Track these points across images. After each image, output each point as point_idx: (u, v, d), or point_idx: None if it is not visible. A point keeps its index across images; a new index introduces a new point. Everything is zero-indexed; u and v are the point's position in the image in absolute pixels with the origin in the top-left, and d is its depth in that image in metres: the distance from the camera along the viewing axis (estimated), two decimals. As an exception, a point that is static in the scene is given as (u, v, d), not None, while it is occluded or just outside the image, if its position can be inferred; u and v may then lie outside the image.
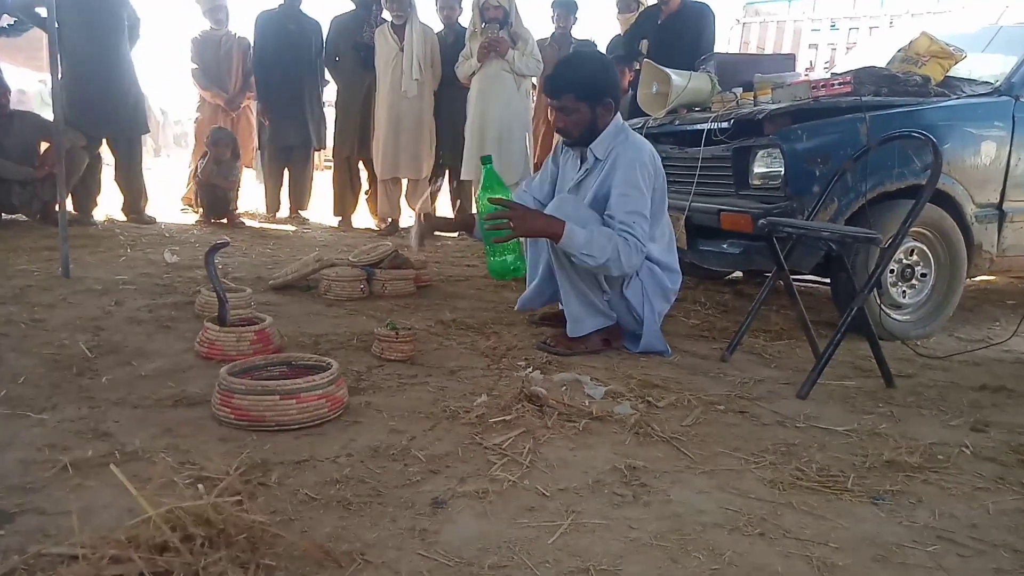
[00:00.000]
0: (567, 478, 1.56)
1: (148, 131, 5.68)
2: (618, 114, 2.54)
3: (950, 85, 3.10)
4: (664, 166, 3.44)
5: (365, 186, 6.00)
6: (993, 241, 3.00)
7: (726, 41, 7.34)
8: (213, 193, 5.44)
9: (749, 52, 7.11)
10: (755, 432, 1.89)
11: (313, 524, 1.31)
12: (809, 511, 1.46)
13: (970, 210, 2.92)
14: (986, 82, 3.06)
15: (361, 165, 5.83)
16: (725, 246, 3.08)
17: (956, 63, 3.10)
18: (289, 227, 5.75)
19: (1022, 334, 2.86)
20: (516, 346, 2.57)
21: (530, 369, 2.28)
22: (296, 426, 1.74)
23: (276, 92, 5.65)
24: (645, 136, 3.61)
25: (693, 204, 3.14)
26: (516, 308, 2.84)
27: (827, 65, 6.54)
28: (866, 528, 1.40)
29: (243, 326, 2.33)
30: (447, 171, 5.60)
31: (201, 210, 5.61)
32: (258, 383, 1.77)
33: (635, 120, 3.86)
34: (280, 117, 5.70)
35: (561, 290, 2.53)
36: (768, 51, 6.99)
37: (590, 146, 2.52)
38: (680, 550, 1.29)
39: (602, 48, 5.77)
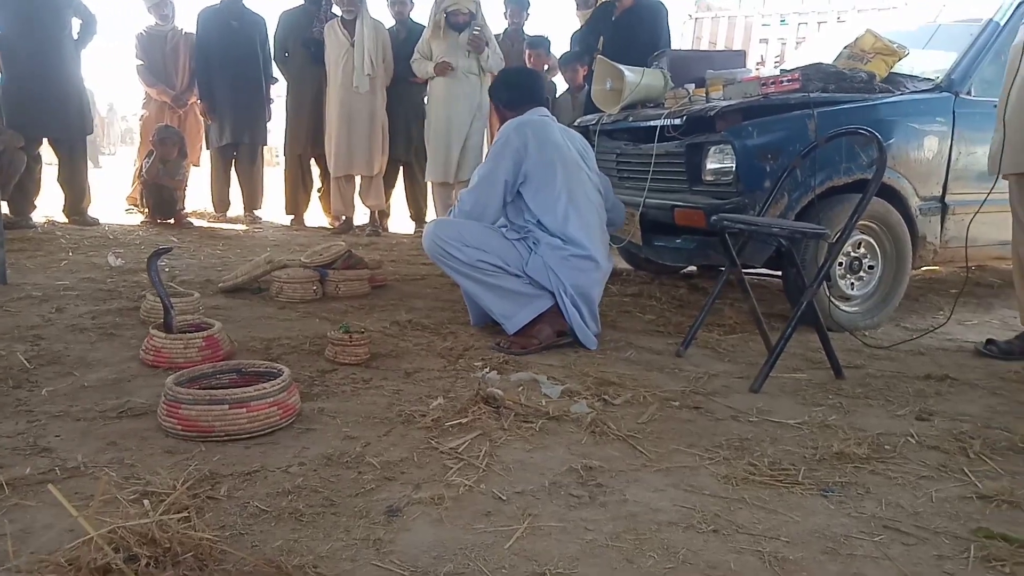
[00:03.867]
0: (524, 481, 1.56)
1: (92, 131, 5.50)
2: (535, 108, 2.74)
3: (894, 81, 3.17)
4: (619, 162, 3.51)
5: (318, 184, 5.90)
6: (936, 233, 3.09)
7: (679, 36, 7.42)
8: (159, 193, 5.30)
9: (701, 47, 7.21)
10: (709, 427, 1.91)
11: (264, 538, 1.28)
12: (761, 506, 1.48)
13: (914, 203, 3.00)
14: (927, 78, 3.14)
15: (313, 162, 5.74)
16: (679, 241, 3.12)
17: (899, 60, 3.17)
18: (239, 227, 5.64)
19: (964, 322, 2.96)
20: (473, 346, 2.55)
21: (487, 370, 2.27)
22: (246, 436, 1.70)
23: (220, 89, 5.53)
24: (600, 132, 3.65)
25: (648, 200, 3.17)
26: (472, 323, 2.81)
27: (777, 60, 6.66)
28: (816, 521, 1.43)
29: (191, 332, 2.27)
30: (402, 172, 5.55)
31: (147, 210, 5.46)
32: (206, 392, 1.73)
33: (590, 116, 3.88)
34: (225, 114, 5.57)
35: (476, 300, 2.60)
36: (720, 46, 7.09)
37: None
38: (635, 550, 1.30)
39: (563, 43, 5.79)
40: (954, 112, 3.02)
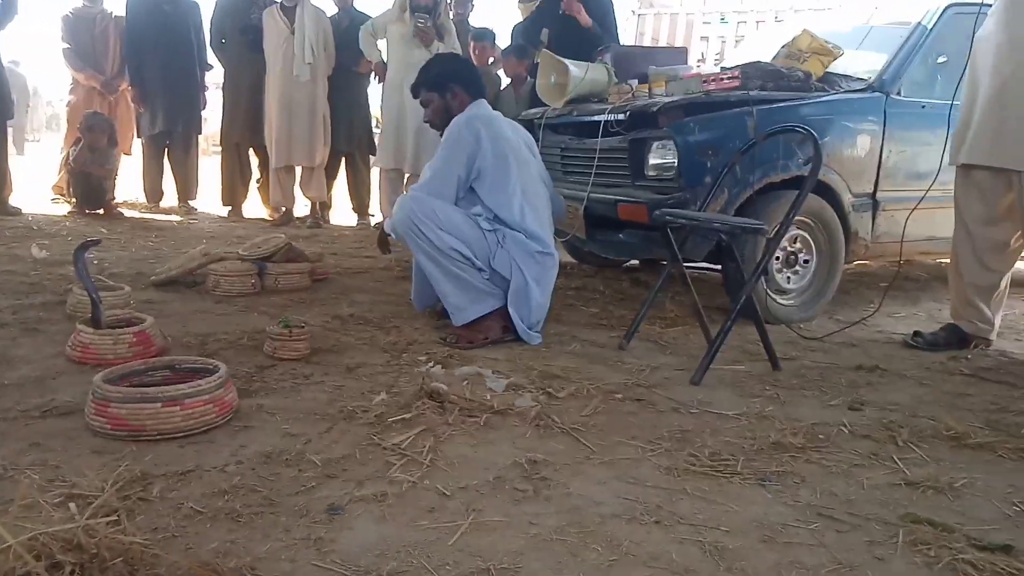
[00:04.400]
0: (468, 476, 1.55)
1: (12, 116, 5.22)
2: (478, 101, 2.68)
3: (829, 81, 3.26)
4: (564, 157, 3.52)
5: (256, 174, 5.75)
6: (868, 228, 3.20)
7: (622, 31, 7.48)
8: (87, 182, 5.08)
9: (644, 43, 7.29)
10: (652, 419, 1.93)
11: (199, 540, 1.24)
12: (702, 496, 1.51)
13: (847, 200, 3.10)
14: (860, 79, 3.24)
15: (252, 152, 5.59)
16: (622, 236, 3.15)
17: (834, 60, 3.27)
18: (173, 218, 5.45)
19: (893, 315, 3.08)
20: (417, 340, 2.53)
21: (431, 364, 2.25)
22: (180, 434, 1.64)
23: (151, 76, 5.33)
24: (544, 126, 3.65)
25: (592, 195, 3.18)
26: (416, 308, 2.81)
27: (717, 57, 6.79)
28: (754, 510, 1.46)
29: (121, 327, 2.18)
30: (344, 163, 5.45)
31: (74, 200, 5.22)
32: (137, 390, 1.66)
33: (535, 110, 3.88)
34: (157, 102, 5.37)
35: (433, 284, 2.53)
36: (662, 42, 7.19)
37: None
38: (580, 543, 1.30)
39: (504, 36, 5.77)
40: (885, 112, 3.12)
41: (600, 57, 3.93)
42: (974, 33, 2.66)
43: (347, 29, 5.09)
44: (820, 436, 1.85)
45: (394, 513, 1.37)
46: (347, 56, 5.05)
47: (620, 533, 1.34)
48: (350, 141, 5.34)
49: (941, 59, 3.45)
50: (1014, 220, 2.56)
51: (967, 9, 3.35)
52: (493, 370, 2.23)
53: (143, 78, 5.39)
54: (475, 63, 5.18)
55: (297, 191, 5.43)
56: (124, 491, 1.37)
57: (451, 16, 5.69)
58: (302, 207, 5.64)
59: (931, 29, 3.25)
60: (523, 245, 2.54)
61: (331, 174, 5.52)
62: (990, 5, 3.44)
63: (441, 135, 2.72)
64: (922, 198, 2.84)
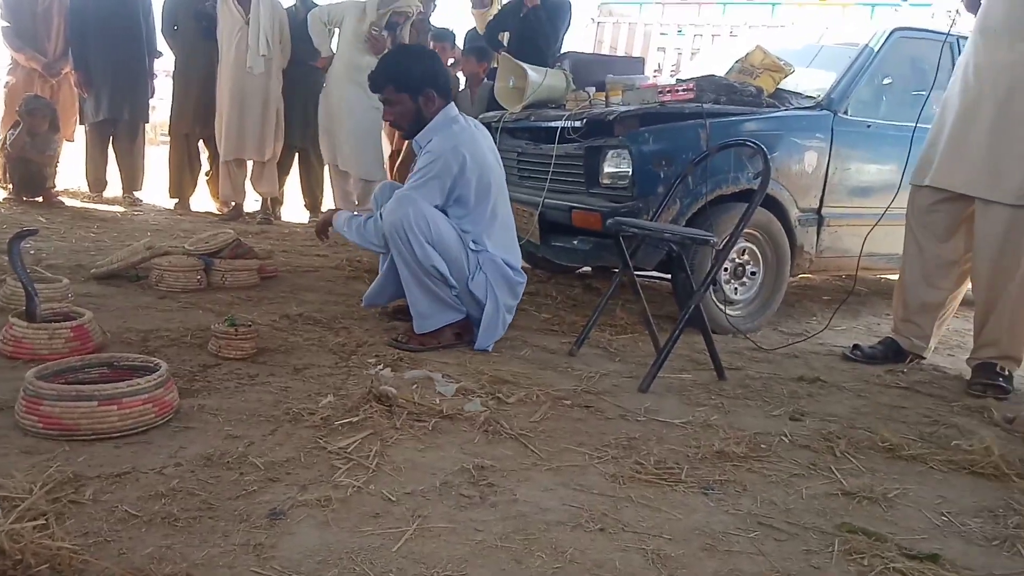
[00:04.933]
0: (414, 481, 1.53)
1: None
2: (450, 105, 2.55)
3: (780, 97, 3.34)
4: (520, 161, 3.53)
5: (206, 166, 5.61)
6: (813, 243, 3.28)
7: (581, 39, 7.55)
8: (26, 168, 4.88)
9: (602, 51, 7.36)
10: (599, 426, 1.95)
11: (132, 545, 1.20)
12: (646, 504, 1.52)
13: (794, 214, 3.18)
14: (810, 96, 3.33)
15: (202, 144, 5.45)
16: (576, 242, 3.16)
17: (785, 76, 3.35)
18: (117, 209, 5.28)
19: (833, 327, 3.17)
20: (367, 342, 2.50)
21: (380, 367, 2.22)
22: (117, 435, 1.58)
23: (97, 60, 5.15)
24: (502, 130, 3.66)
25: (547, 200, 3.20)
26: (363, 304, 2.77)
27: (673, 68, 6.90)
28: (697, 518, 1.48)
29: (57, 321, 2.10)
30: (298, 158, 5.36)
31: (11, 187, 5.01)
32: (72, 387, 1.60)
33: (492, 113, 3.88)
34: (102, 87, 5.20)
35: (405, 287, 2.49)
36: (620, 51, 7.27)
37: (415, 137, 2.56)
38: (524, 550, 1.30)
39: (460, 38, 5.75)
40: (832, 129, 3.21)
41: (558, 64, 3.96)
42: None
43: (304, 21, 5.00)
44: (762, 445, 1.89)
45: (338, 518, 1.35)
46: (303, 50, 4.96)
47: (565, 540, 1.35)
48: (304, 136, 5.25)
49: (887, 81, 3.58)
50: (965, 242, 2.65)
51: (913, 33, 3.50)
52: (443, 374, 2.21)
53: (88, 62, 5.19)
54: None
55: (248, 186, 5.32)
56: (54, 493, 1.32)
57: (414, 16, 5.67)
58: (253, 202, 5.53)
59: (877, 51, 3.36)
60: (500, 270, 2.53)
61: (283, 169, 5.42)
62: (936, 31, 3.60)
63: (405, 135, 2.67)
64: (882, 216, 2.90)
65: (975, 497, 1.69)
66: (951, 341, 3.19)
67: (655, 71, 7.13)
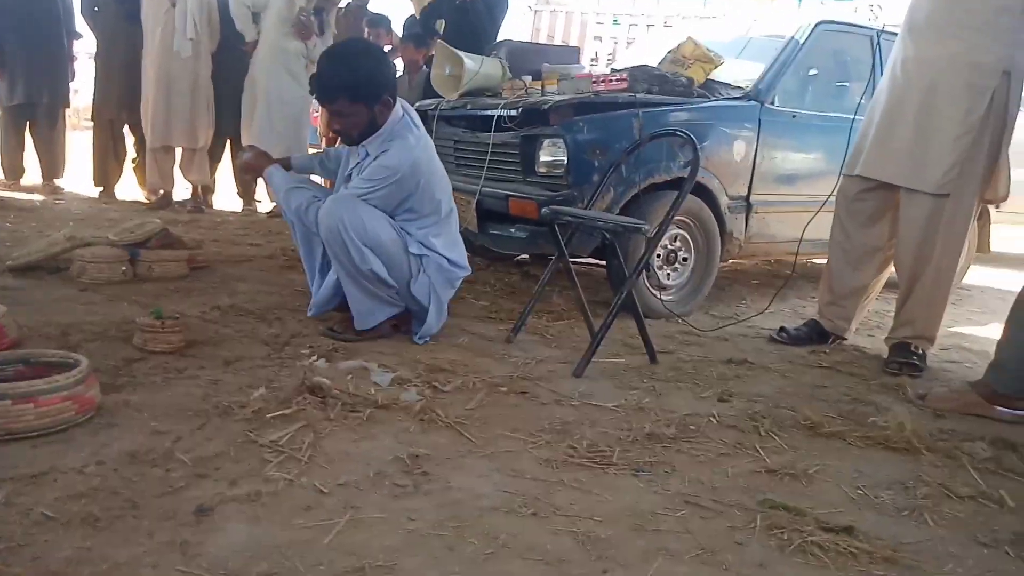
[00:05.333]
0: (348, 472, 1.53)
1: None
2: (397, 106, 2.43)
3: (710, 88, 3.42)
4: (456, 149, 3.52)
5: (132, 153, 5.41)
6: (742, 229, 3.38)
7: (519, 27, 7.56)
8: (-65, 154, 4.62)
9: (539, 39, 7.38)
10: (534, 412, 1.97)
11: (48, 549, 1.16)
12: (579, 487, 1.55)
13: (724, 202, 3.26)
14: (739, 87, 3.41)
15: (127, 130, 5.25)
16: (513, 230, 3.18)
17: (715, 67, 3.42)
18: (36, 197, 5.05)
19: (762, 311, 3.27)
20: (301, 333, 2.46)
21: (314, 358, 2.20)
22: (34, 434, 1.53)
23: (11, 41, 4.89)
24: (438, 118, 3.63)
25: (484, 189, 3.20)
26: (310, 314, 2.63)
27: (610, 58, 6.97)
28: (627, 499, 1.52)
29: (-32, 317, 2.00)
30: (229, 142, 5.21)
31: (-81, 175, 4.74)
32: (-16, 386, 1.53)
33: (429, 101, 3.85)
34: (17, 70, 4.94)
35: (344, 287, 2.45)
36: (557, 39, 7.30)
37: (364, 143, 2.43)
38: (457, 537, 1.31)
39: (398, 24, 5.68)
40: (760, 119, 3.30)
41: (495, 52, 3.95)
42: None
43: (235, 4, 4.85)
44: (691, 427, 1.95)
45: (268, 513, 1.34)
46: (235, 33, 4.82)
47: (498, 525, 1.37)
48: (237, 123, 5.10)
49: (812, 72, 3.70)
50: (890, 228, 2.76)
51: (836, 27, 3.62)
52: (379, 364, 2.20)
53: (1, 43, 4.93)
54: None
55: (177, 173, 5.15)
56: (-35, 497, 1.27)
57: (348, 2, 5.58)
58: (183, 191, 5.35)
59: (803, 44, 3.46)
60: (445, 272, 2.51)
61: (215, 156, 5.26)
62: (858, 25, 3.72)
63: (346, 141, 2.51)
64: (824, 204, 2.99)
65: (888, 470, 1.78)
66: (871, 322, 3.33)
67: (592, 60, 7.18)
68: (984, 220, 4.15)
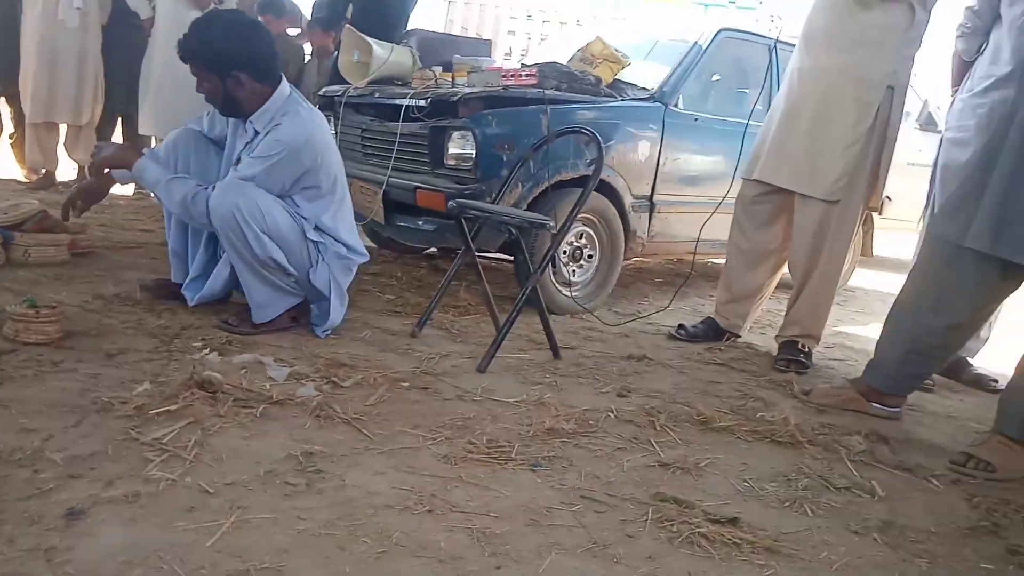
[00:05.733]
0: (237, 471, 1.47)
1: None
2: (282, 85, 2.35)
3: (617, 87, 3.48)
4: (364, 138, 3.45)
5: (9, 128, 5.01)
6: (645, 228, 3.46)
7: (432, 17, 7.48)
8: None
9: (453, 30, 7.34)
10: (435, 408, 1.96)
11: None
12: (476, 483, 1.55)
13: (628, 200, 3.33)
14: (644, 88, 3.49)
15: (4, 103, 4.86)
16: (420, 223, 3.15)
17: (623, 68, 3.49)
18: (-102, 172, 4.61)
19: (663, 308, 3.36)
20: (193, 325, 2.35)
21: (206, 351, 2.10)
22: None
23: None
24: (345, 105, 3.54)
25: (391, 179, 3.15)
26: (191, 303, 2.48)
27: (523, 52, 6.99)
28: (524, 495, 1.53)
29: None
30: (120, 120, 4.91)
31: None
32: None
33: (335, 87, 3.75)
34: None
35: (241, 278, 2.34)
36: (471, 31, 7.28)
37: (250, 119, 2.34)
38: (349, 536, 1.29)
39: (306, 6, 5.49)
40: (664, 121, 3.39)
41: (405, 41, 3.89)
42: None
43: (127, -26, 4.57)
44: (590, 422, 1.98)
45: (146, 514, 1.27)
46: (127, 5, 4.53)
47: (392, 524, 1.34)
48: (128, 100, 4.80)
49: (715, 77, 3.83)
50: (785, 231, 2.88)
51: (737, 34, 3.76)
52: (275, 358, 2.13)
53: None
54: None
55: (62, 152, 4.81)
56: None
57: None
58: (69, 171, 5.00)
59: (705, 49, 3.58)
60: (344, 260, 2.45)
61: (104, 135, 4.94)
62: (758, 34, 3.88)
63: (222, 112, 2.41)
64: (720, 204, 3.09)
65: (773, 463, 1.87)
66: (763, 321, 3.48)
67: (506, 54, 7.20)
68: (868, 226, 4.43)
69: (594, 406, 2.11)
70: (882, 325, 2.35)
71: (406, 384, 2.09)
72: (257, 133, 2.34)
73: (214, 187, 2.26)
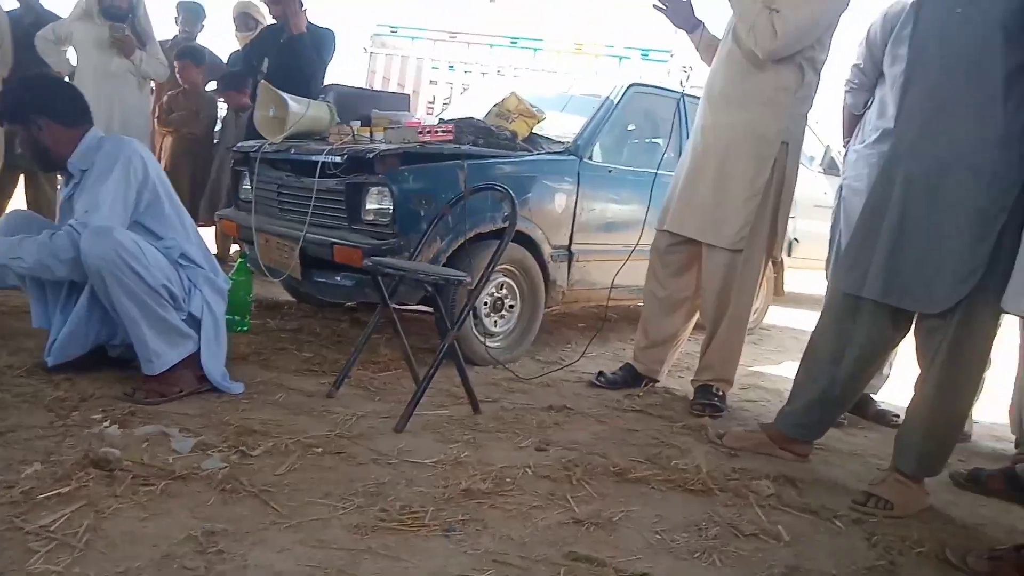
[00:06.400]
0: (131, 557, 1.40)
1: None
2: (94, 129, 2.41)
3: (533, 141, 3.56)
4: (280, 193, 3.42)
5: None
6: (565, 277, 3.52)
7: (353, 68, 7.51)
8: None
9: (376, 81, 7.38)
10: (349, 473, 1.92)
11: None
12: (386, 554, 1.52)
13: (547, 250, 3.39)
14: (560, 142, 3.59)
15: None
16: (339, 278, 3.12)
17: (538, 122, 3.58)
18: None
19: (586, 354, 3.41)
20: (94, 395, 2.25)
21: (106, 423, 2.01)
22: None
23: None
24: (261, 160, 3.51)
25: (308, 235, 3.12)
26: (49, 364, 2.37)
27: (446, 102, 7.09)
28: (435, 563, 1.51)
29: None
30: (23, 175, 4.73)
31: None
32: None
33: (251, 143, 3.72)
34: None
35: (127, 322, 2.22)
36: (393, 81, 7.33)
37: (70, 162, 2.36)
38: (249, 623, 1.24)
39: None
40: (579, 173, 3.49)
41: (323, 96, 3.90)
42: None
43: (32, 26, 4.44)
44: (507, 480, 1.97)
45: (27, 614, 1.20)
46: (29, 58, 4.40)
47: (295, 606, 1.30)
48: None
49: (628, 128, 3.98)
50: (697, 279, 2.96)
51: (647, 89, 3.92)
52: (181, 428, 2.06)
53: None
54: (181, 82, 4.86)
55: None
56: None
57: (178, 31, 5.29)
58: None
59: (617, 103, 3.71)
60: (211, 283, 2.43)
61: (5, 192, 4.74)
62: (667, 89, 4.05)
63: (40, 167, 2.45)
64: (632, 252, 3.18)
65: (685, 512, 1.90)
66: (681, 363, 3.57)
67: (429, 102, 7.28)
68: (779, 267, 4.63)
69: (512, 462, 2.11)
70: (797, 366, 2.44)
71: (319, 449, 2.04)
72: (83, 171, 2.35)
73: (72, 227, 2.19)
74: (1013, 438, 2.69)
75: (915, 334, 2.12)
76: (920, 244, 2.00)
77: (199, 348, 2.36)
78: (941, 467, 2.13)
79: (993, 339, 2.05)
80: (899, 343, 2.28)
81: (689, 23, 3.05)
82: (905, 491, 2.05)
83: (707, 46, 3.05)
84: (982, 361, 2.07)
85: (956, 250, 1.94)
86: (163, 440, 1.97)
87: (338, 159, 3.11)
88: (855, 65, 2.90)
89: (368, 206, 3.04)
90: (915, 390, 2.12)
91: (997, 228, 1.90)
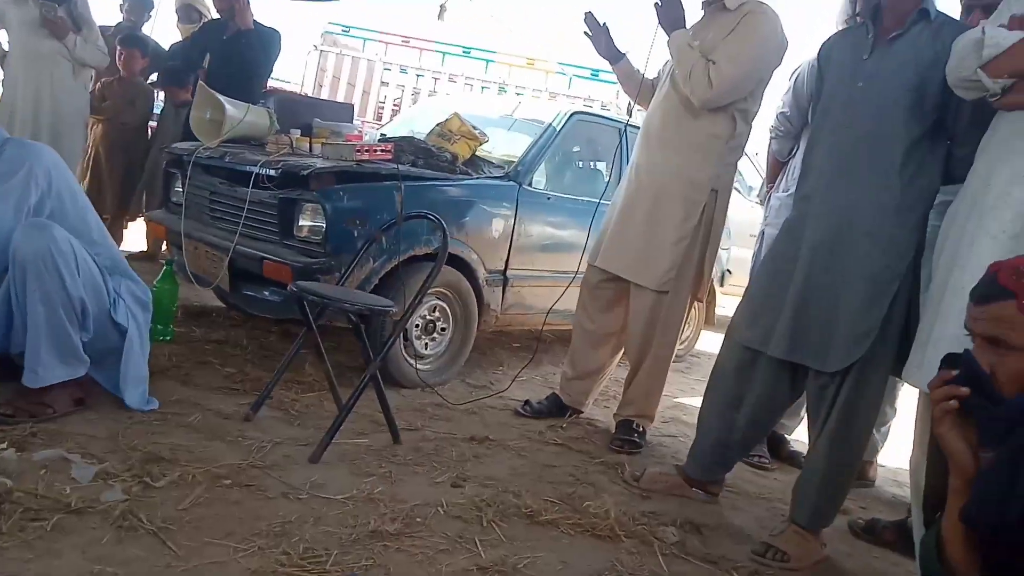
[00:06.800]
0: (9, 606, 1.36)
1: None
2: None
3: (474, 164, 3.56)
4: (212, 201, 3.34)
5: None
6: (498, 301, 3.54)
7: (303, 65, 7.38)
8: None
9: (325, 79, 7.27)
10: (256, 509, 1.89)
11: None
12: (281, 604, 1.51)
13: (482, 275, 3.40)
14: (500, 166, 3.60)
15: None
16: (267, 293, 3.07)
17: (480, 145, 3.58)
18: None
19: (517, 379, 3.42)
20: (-7, 411, 2.16)
21: (3, 445, 1.94)
22: None
23: None
24: (194, 164, 3.42)
25: (238, 247, 3.06)
26: None
27: (396, 104, 7.05)
28: (331, 615, 1.50)
29: None
30: None
31: None
32: None
33: (185, 145, 3.62)
34: None
35: (31, 329, 2.10)
36: (343, 80, 7.24)
37: None
38: None
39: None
40: (518, 199, 3.50)
41: (263, 102, 3.83)
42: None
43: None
44: (418, 519, 1.97)
45: None
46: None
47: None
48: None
49: (571, 155, 4.02)
50: (624, 316, 3.00)
51: (589, 118, 3.96)
52: (84, 453, 1.99)
53: None
54: (121, 70, 4.70)
55: None
56: None
57: (123, 19, 5.10)
58: None
59: (559, 131, 3.74)
60: (133, 293, 2.37)
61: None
62: (609, 118, 4.10)
63: None
64: (572, 280, 3.20)
65: (590, 560, 1.94)
66: (608, 393, 3.62)
67: (379, 104, 7.21)
68: (711, 299, 4.74)
69: (425, 499, 2.10)
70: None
71: (228, 481, 2.01)
72: None
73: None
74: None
75: (807, 391, 2.21)
76: (822, 304, 2.08)
77: (86, 375, 2.28)
78: (832, 518, 2.22)
79: (881, 398, 2.15)
80: (796, 399, 2.36)
81: (611, 53, 3.08)
82: (802, 543, 2.12)
83: (628, 77, 3.11)
84: (871, 419, 2.17)
85: (851, 313, 2.03)
86: (63, 466, 1.90)
87: (272, 172, 3.06)
88: (781, 112, 2.96)
89: (301, 223, 3.00)
90: (809, 445, 2.21)
91: (891, 293, 2.00)
